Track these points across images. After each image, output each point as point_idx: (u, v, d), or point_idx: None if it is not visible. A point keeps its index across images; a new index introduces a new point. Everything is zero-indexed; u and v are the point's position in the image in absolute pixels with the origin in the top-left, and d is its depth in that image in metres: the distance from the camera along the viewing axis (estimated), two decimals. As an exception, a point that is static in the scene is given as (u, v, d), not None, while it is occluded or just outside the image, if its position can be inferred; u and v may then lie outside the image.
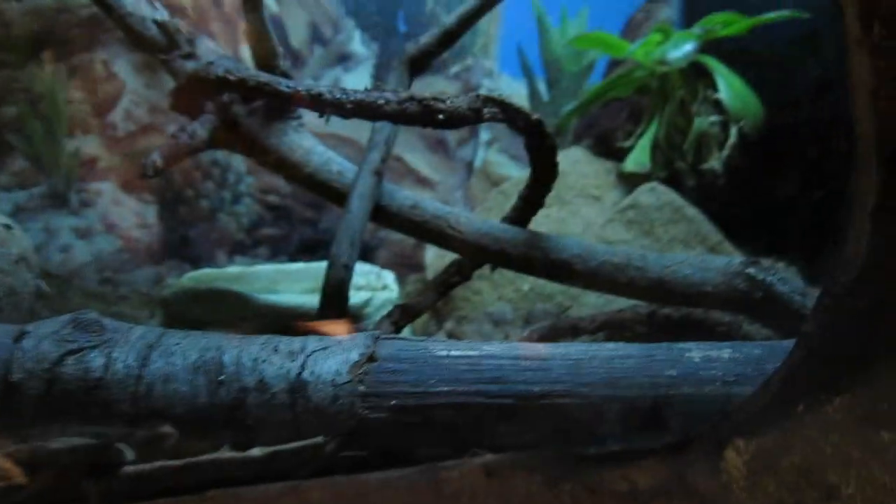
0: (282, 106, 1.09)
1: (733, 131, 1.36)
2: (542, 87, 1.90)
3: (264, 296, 1.22)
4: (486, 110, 0.95)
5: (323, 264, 1.62)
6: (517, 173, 1.88)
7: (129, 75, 1.69)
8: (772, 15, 1.34)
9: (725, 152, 1.36)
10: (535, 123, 0.98)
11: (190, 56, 1.23)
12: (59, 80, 1.65)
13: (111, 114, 1.69)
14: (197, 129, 1.10)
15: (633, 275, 1.04)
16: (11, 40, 1.61)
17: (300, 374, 0.71)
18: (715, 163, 1.38)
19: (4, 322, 1.26)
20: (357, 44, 1.84)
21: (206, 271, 1.49)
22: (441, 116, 0.93)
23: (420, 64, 1.16)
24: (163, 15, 1.28)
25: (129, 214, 1.69)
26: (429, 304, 1.21)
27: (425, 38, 1.16)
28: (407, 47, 1.16)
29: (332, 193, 1.11)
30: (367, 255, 1.15)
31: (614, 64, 1.91)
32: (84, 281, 1.65)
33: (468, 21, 1.16)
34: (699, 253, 1.33)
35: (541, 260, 1.07)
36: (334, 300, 0.99)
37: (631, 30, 1.93)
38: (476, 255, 1.10)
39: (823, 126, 1.46)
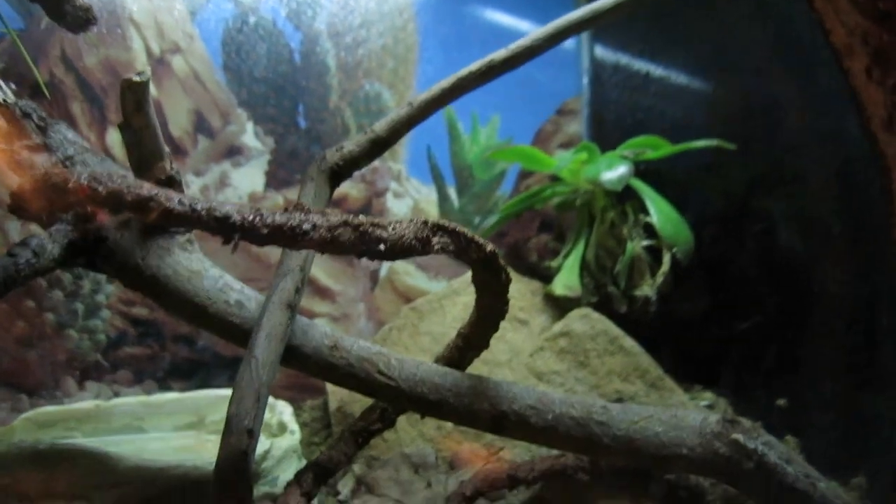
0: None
1: (666, 257, 1.29)
2: (451, 193, 1.79)
3: (128, 455, 0.94)
4: (435, 240, 0.79)
5: (202, 393, 1.37)
6: (425, 284, 1.72)
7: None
8: (701, 143, 1.31)
9: (659, 279, 1.28)
10: (489, 256, 0.83)
11: (40, 148, 0.99)
12: None
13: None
14: (45, 244, 0.85)
15: (595, 430, 0.89)
16: None
17: None
18: (647, 289, 1.29)
19: None
20: (250, 137, 1.64)
21: (46, 409, 1.17)
22: (381, 247, 0.75)
23: (342, 173, 0.99)
24: (8, 95, 1.03)
25: (-56, 332, 1.33)
26: (346, 460, 0.99)
27: (350, 146, 0.99)
28: (328, 154, 0.99)
29: (229, 330, 0.88)
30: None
31: (525, 174, 1.84)
32: None
33: (400, 130, 1.01)
34: (640, 389, 1.21)
35: (489, 412, 0.89)
36: (233, 479, 0.75)
37: (541, 140, 1.88)
38: (411, 405, 0.91)
39: (743, 254, 1.43)
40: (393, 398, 0.90)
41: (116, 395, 1.42)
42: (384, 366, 0.90)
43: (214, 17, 1.63)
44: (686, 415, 0.89)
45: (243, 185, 1.62)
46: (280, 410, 1.25)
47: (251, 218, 0.71)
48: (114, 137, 1.51)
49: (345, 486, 1.24)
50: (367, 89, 1.75)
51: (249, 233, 0.71)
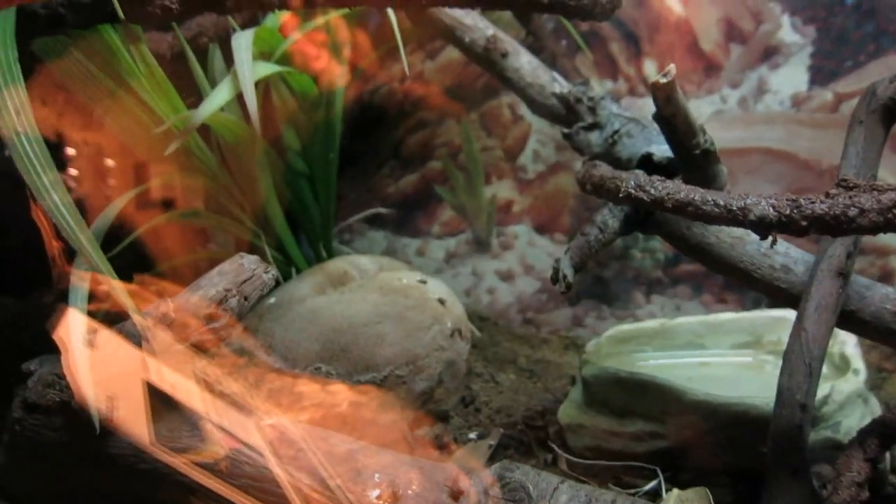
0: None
1: None
2: None
3: (692, 391, 1.07)
4: None
5: (757, 314, 1.40)
6: None
7: (533, 115, 1.68)
8: None
9: None
10: None
11: (593, 127, 1.14)
12: (472, 130, 1.72)
13: (520, 157, 1.70)
14: (608, 218, 1.01)
15: None
16: (430, 98, 1.74)
17: None
18: None
19: (447, 391, 1.38)
20: (787, 31, 1.49)
21: (623, 328, 1.40)
22: (955, 226, 0.64)
23: (901, 108, 0.85)
24: (561, 85, 1.20)
25: (543, 255, 1.70)
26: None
27: (910, 73, 0.83)
28: (878, 87, 0.85)
29: (776, 293, 0.90)
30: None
31: None
32: (509, 322, 1.73)
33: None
34: None
35: None
36: (785, 454, 0.79)
37: None
38: None
39: None
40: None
41: (678, 308, 1.58)
42: (969, 337, 0.77)
43: None
44: None
45: (784, 87, 1.50)
46: (842, 340, 1.19)
47: (788, 212, 0.70)
48: (650, 68, 1.59)
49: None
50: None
51: (787, 228, 0.70)
